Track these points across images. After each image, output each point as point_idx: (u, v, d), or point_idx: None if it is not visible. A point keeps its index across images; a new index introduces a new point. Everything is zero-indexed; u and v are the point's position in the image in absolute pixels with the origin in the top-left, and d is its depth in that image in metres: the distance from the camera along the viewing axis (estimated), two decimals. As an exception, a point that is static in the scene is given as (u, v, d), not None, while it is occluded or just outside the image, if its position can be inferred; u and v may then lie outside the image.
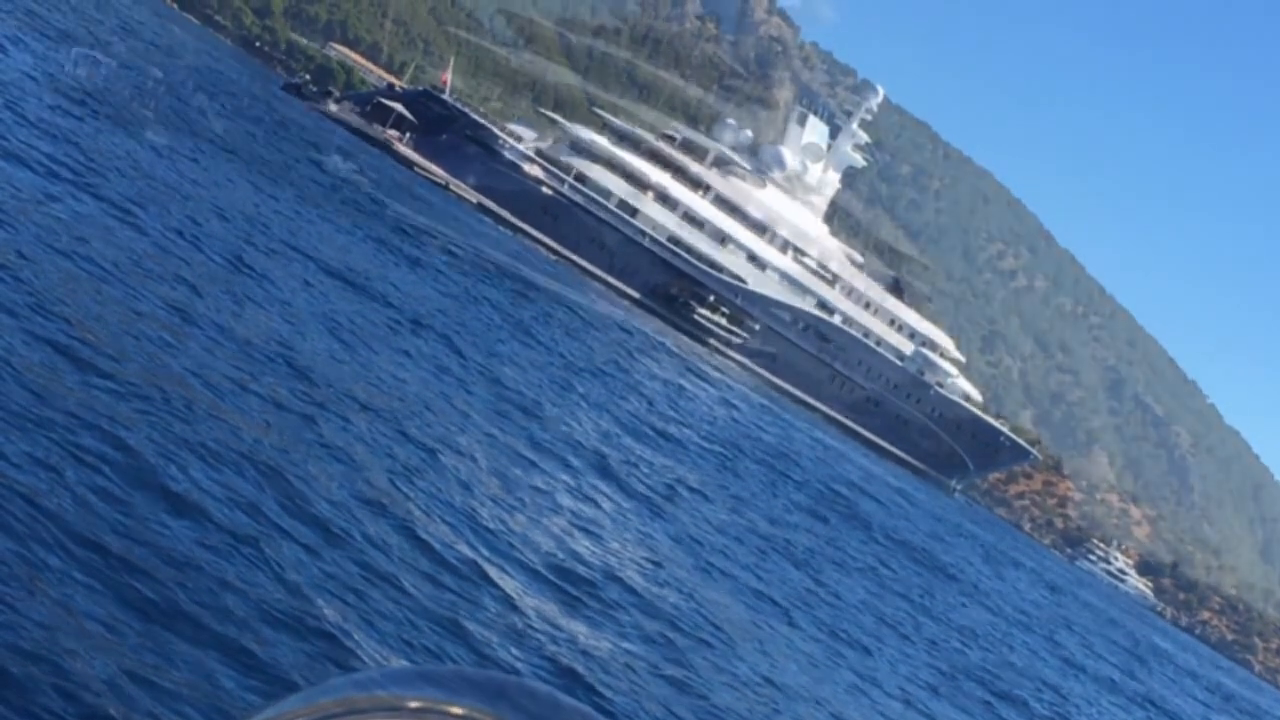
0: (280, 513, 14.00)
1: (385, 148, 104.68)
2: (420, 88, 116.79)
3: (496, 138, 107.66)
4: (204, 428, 15.16)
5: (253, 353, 19.98)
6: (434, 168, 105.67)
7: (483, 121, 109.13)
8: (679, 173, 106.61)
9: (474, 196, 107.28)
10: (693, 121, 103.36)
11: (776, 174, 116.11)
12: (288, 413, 17.88)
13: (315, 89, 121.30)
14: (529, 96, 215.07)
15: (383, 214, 55.61)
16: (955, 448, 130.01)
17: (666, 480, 31.03)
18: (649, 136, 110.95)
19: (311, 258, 32.57)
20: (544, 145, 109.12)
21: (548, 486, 22.69)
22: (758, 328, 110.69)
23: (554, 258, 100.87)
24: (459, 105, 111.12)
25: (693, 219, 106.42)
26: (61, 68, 42.82)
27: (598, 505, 23.73)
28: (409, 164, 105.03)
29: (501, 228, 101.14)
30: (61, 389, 13.96)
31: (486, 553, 16.68)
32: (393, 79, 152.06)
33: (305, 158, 62.92)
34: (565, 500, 22.47)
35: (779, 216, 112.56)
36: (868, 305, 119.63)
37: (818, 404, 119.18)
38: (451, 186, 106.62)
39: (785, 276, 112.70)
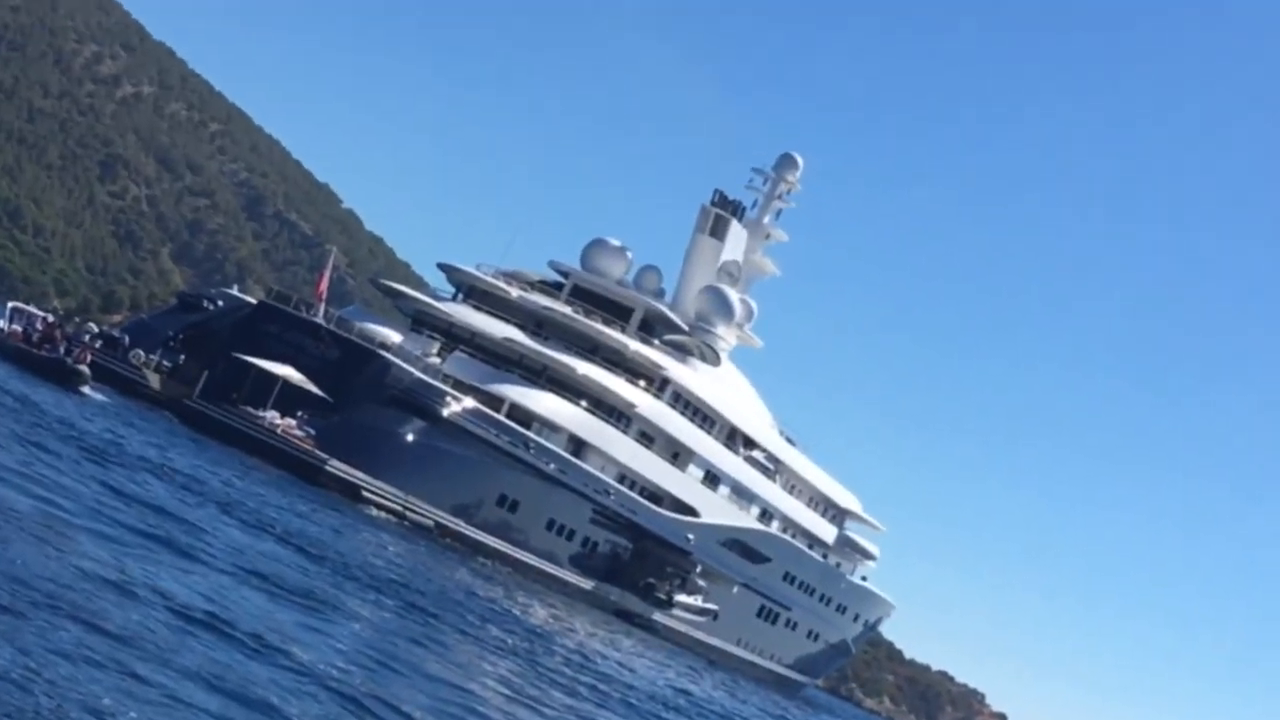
0: None
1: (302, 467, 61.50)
2: (257, 299, 75.19)
3: (440, 392, 68.12)
4: None
5: None
6: (384, 487, 64.81)
7: (404, 365, 68.35)
8: (631, 373, 79.52)
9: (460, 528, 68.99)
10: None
11: (721, 328, 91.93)
12: None
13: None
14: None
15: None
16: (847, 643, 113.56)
17: None
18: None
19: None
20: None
21: None
22: (704, 584, 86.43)
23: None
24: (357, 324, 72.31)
25: (646, 435, 79.42)
26: None
27: None
28: (346, 491, 62.58)
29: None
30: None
31: None
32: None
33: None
34: None
35: (731, 402, 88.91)
36: (793, 488, 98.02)
37: (760, 660, 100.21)
38: (410, 514, 66.08)
39: (736, 487, 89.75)
